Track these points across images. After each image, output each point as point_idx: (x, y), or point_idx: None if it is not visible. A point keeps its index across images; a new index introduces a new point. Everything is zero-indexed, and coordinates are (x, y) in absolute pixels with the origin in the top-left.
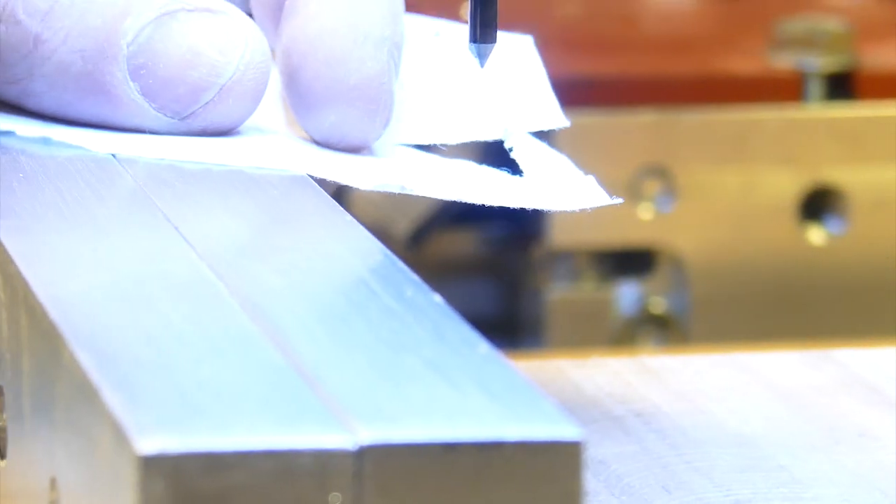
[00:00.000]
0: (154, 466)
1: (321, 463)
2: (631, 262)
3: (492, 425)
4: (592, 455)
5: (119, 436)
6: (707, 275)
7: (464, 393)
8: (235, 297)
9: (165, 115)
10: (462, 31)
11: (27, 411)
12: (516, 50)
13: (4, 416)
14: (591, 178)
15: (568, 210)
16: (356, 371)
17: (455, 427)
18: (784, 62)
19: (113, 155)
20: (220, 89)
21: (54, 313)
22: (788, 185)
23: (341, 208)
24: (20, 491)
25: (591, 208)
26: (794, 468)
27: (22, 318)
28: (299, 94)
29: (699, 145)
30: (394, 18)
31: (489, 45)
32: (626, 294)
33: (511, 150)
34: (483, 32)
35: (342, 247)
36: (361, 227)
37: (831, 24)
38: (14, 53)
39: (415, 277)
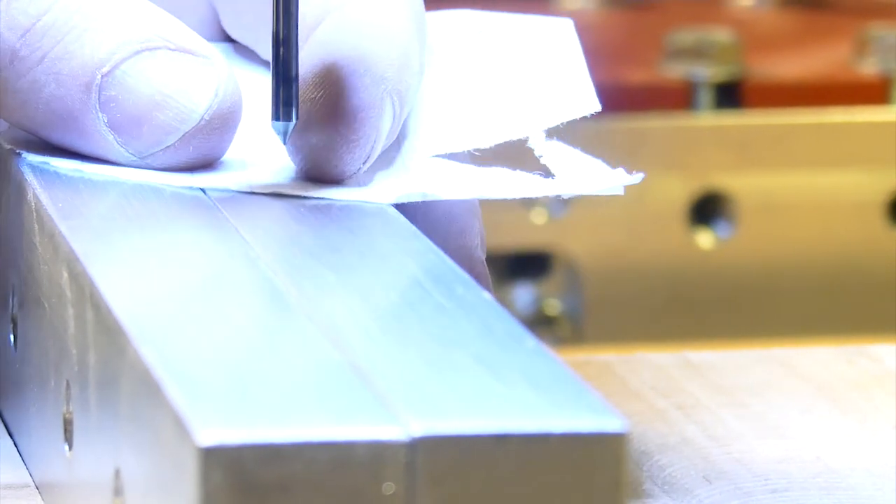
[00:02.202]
0: (214, 458)
1: (375, 454)
2: (526, 265)
3: (539, 417)
4: (636, 446)
5: (180, 428)
6: (600, 277)
7: (512, 386)
8: (293, 294)
9: (127, 151)
10: (506, 22)
11: (93, 404)
12: (556, 33)
13: (71, 408)
14: (619, 172)
15: (590, 193)
16: (409, 366)
17: (503, 419)
18: (674, 72)
19: None
20: (183, 136)
21: (119, 310)
22: (678, 191)
23: (393, 209)
24: (86, 480)
25: (610, 191)
26: (829, 459)
27: (88, 315)
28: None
29: (591, 152)
30: (401, 69)
31: (289, 123)
32: (522, 296)
33: (540, 157)
34: (284, 112)
35: (394, 246)
36: (413, 227)
37: (720, 35)
38: None
39: (464, 276)
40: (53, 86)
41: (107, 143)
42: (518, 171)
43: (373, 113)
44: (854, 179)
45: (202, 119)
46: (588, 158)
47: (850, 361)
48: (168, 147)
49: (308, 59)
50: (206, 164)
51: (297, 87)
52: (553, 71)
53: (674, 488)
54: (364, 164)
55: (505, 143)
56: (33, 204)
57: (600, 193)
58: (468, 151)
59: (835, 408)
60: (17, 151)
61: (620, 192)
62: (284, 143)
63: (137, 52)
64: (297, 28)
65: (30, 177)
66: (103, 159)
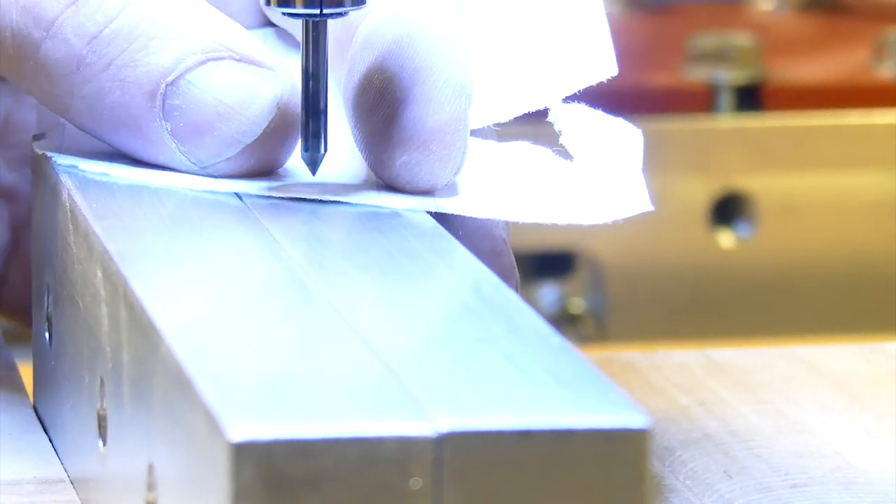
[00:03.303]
0: (245, 453)
1: (403, 450)
2: (551, 264)
3: (564, 414)
4: (659, 442)
5: (212, 424)
6: (623, 277)
7: (537, 383)
8: (322, 293)
9: (189, 159)
10: None
11: (126, 401)
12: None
13: (105, 404)
14: (637, 173)
15: (601, 223)
16: (436, 363)
17: (529, 415)
18: (696, 75)
19: None
20: (244, 148)
21: (152, 309)
22: (700, 192)
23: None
24: (119, 475)
25: (623, 219)
26: (848, 454)
27: (121, 314)
28: (371, 132)
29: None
30: (469, 69)
31: (320, 155)
32: (547, 295)
33: (560, 133)
34: (313, 143)
35: (422, 247)
36: (440, 227)
37: (741, 39)
38: (58, 70)
39: (491, 275)
40: (118, 92)
41: (169, 150)
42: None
43: (460, 125)
44: (872, 180)
45: (263, 132)
46: (608, 122)
47: (867, 359)
48: (229, 158)
49: (377, 67)
50: (265, 174)
51: (325, 119)
52: (574, 36)
53: (696, 483)
54: (456, 173)
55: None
56: (68, 205)
57: (625, 217)
58: (490, 126)
59: (853, 404)
60: (50, 155)
61: (649, 207)
62: (314, 173)
63: (202, 63)
64: (326, 62)
65: (64, 178)
66: (165, 166)
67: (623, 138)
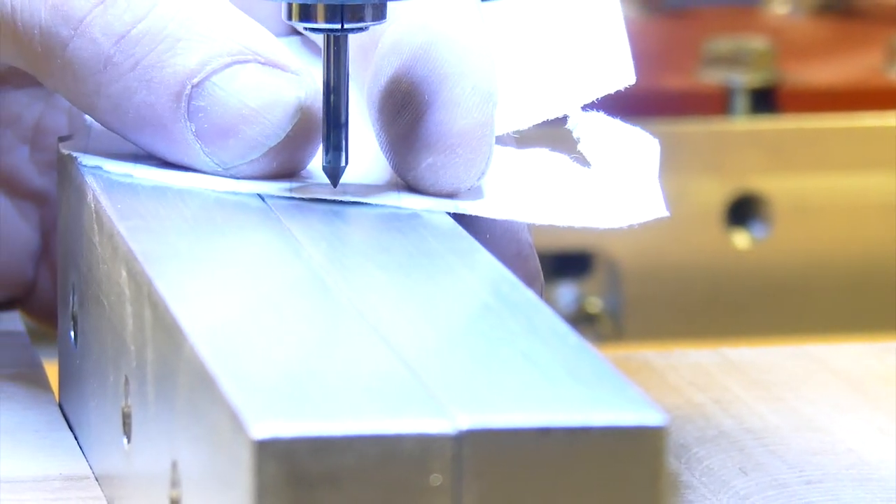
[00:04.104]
0: (268, 450)
1: (423, 447)
2: (568, 264)
3: (582, 411)
4: (675, 439)
5: (235, 422)
6: (640, 277)
7: (555, 381)
8: (343, 292)
9: (213, 160)
10: None
11: (151, 399)
12: (599, 7)
13: (130, 402)
14: (653, 180)
15: (616, 228)
16: (456, 361)
17: (548, 413)
18: (712, 78)
19: None
20: (267, 151)
21: (175, 308)
22: (715, 193)
23: (442, 211)
24: (143, 472)
25: (639, 224)
26: (861, 451)
27: (146, 313)
28: (396, 135)
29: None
30: (495, 76)
31: (340, 167)
32: (564, 294)
33: (578, 140)
34: (334, 156)
35: (441, 246)
36: (459, 228)
37: (756, 43)
38: (85, 69)
39: (510, 275)
40: (144, 92)
41: (193, 151)
42: (557, 169)
43: (487, 130)
44: (885, 181)
45: (287, 136)
46: (626, 130)
47: (880, 357)
48: (252, 160)
49: (403, 72)
50: (288, 176)
51: (346, 132)
52: (593, 45)
53: (711, 479)
54: (480, 178)
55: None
56: (93, 206)
57: (640, 222)
58: (509, 133)
59: (866, 402)
60: (75, 156)
61: (664, 213)
62: (335, 186)
63: (228, 65)
64: (346, 76)
65: (89, 179)
66: (189, 167)
67: (640, 147)
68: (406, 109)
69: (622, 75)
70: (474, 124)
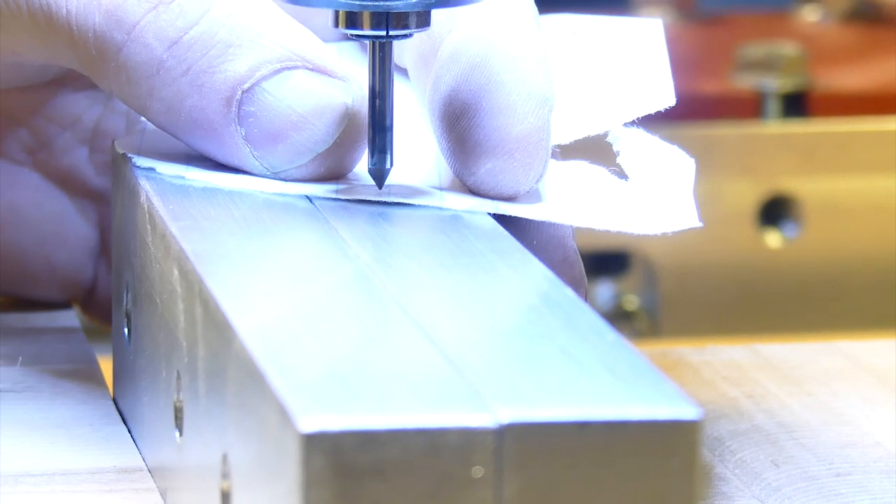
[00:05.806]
0: (315, 443)
1: (465, 440)
2: (606, 263)
3: (619, 405)
4: (709, 433)
5: (283, 416)
6: (675, 275)
7: (593, 376)
8: (388, 290)
9: (262, 164)
10: (600, 23)
11: (201, 393)
12: (644, 33)
13: (181, 397)
14: (688, 193)
15: (651, 234)
16: (497, 357)
17: (585, 407)
18: (745, 83)
19: None
20: (315, 156)
21: (226, 306)
22: (748, 194)
23: (484, 212)
24: (195, 464)
25: (672, 232)
26: (889, 444)
27: (197, 310)
28: (457, 139)
29: None
30: (551, 83)
31: (385, 169)
32: (602, 292)
33: (618, 153)
34: (380, 158)
35: (483, 245)
36: (500, 228)
37: (788, 49)
38: (138, 73)
39: (550, 274)
40: (196, 97)
41: (243, 155)
42: (594, 179)
43: (543, 135)
44: None
45: (334, 142)
46: (664, 148)
47: None
48: (300, 165)
49: (463, 79)
50: (336, 179)
51: (391, 135)
52: (636, 68)
53: (744, 472)
54: (537, 182)
55: (584, 138)
56: (146, 206)
57: (674, 230)
58: (553, 147)
59: (894, 396)
60: (129, 156)
61: (698, 224)
62: (380, 187)
63: (277, 72)
64: (391, 81)
65: (143, 181)
66: (240, 169)
67: (676, 163)
68: (465, 116)
69: (663, 97)
70: (531, 129)
